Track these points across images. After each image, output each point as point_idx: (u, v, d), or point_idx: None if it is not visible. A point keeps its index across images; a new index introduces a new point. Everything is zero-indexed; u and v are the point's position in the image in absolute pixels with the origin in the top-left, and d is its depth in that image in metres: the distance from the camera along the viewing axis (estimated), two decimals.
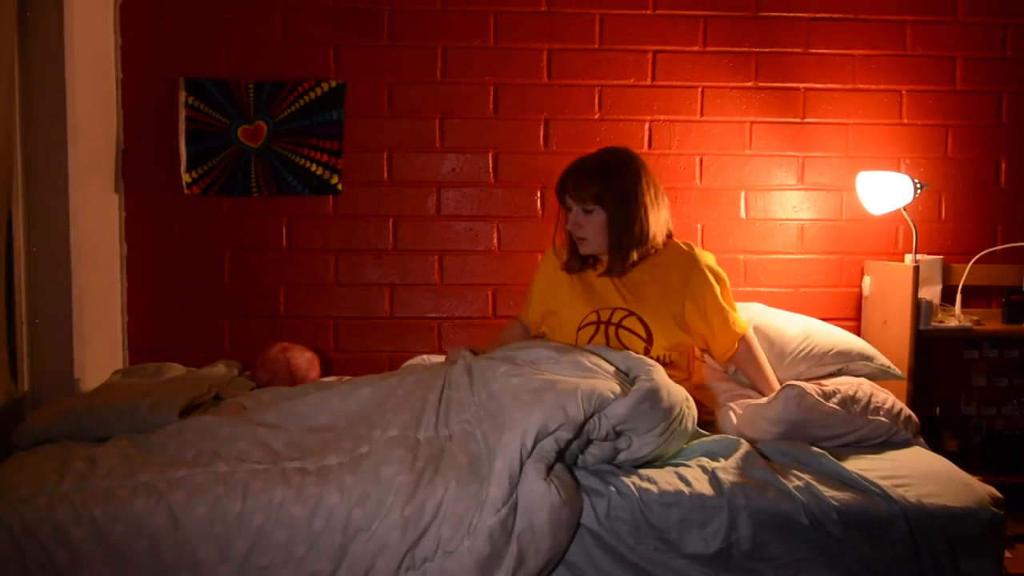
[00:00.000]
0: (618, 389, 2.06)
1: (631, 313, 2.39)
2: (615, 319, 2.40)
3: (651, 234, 2.40)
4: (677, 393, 2.11)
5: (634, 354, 2.26)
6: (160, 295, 3.19)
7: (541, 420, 1.93)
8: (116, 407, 2.23)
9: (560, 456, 1.98)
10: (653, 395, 2.04)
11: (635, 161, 2.43)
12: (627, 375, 2.18)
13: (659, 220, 2.43)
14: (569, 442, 1.98)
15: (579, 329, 2.43)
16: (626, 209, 2.38)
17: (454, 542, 1.86)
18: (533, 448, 1.92)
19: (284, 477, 1.96)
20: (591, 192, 2.38)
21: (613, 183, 2.37)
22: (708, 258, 2.48)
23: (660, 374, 2.13)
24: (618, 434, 2.05)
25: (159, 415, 2.20)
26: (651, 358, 2.30)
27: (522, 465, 1.90)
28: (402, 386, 2.27)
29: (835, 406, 2.24)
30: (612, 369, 2.18)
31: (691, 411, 2.16)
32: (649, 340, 2.38)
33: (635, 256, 2.40)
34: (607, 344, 2.39)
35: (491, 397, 2.12)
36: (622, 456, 2.08)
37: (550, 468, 1.92)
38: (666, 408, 2.05)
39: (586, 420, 1.98)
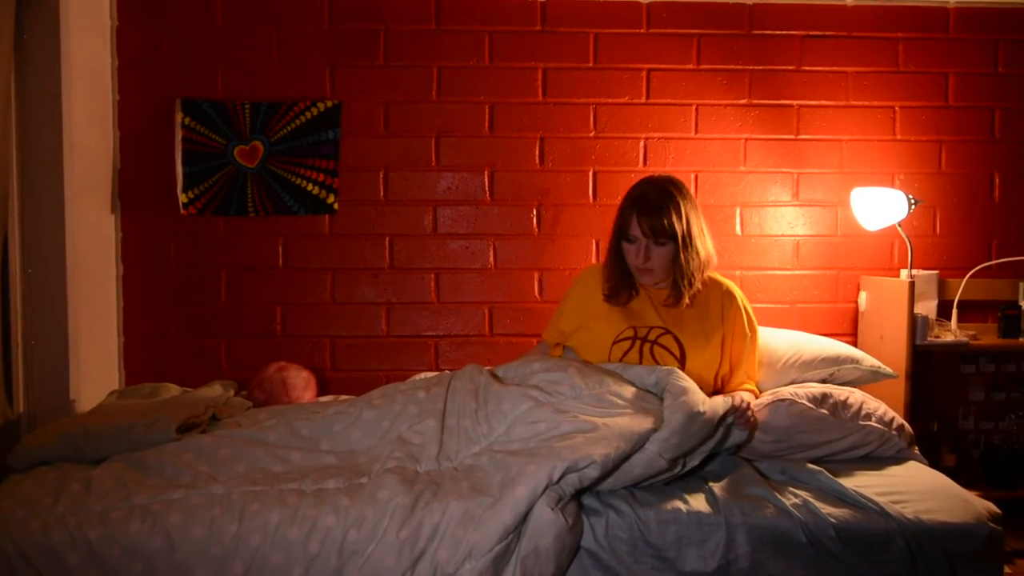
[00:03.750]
0: (648, 424, 2.05)
1: (668, 331, 2.42)
2: (651, 336, 2.42)
3: (710, 263, 2.47)
4: (713, 402, 2.15)
5: (663, 368, 2.27)
6: (156, 315, 3.19)
7: (572, 459, 1.92)
8: (112, 428, 2.22)
9: (577, 495, 1.97)
10: (692, 417, 2.05)
11: (688, 190, 2.48)
12: (655, 393, 2.20)
13: (711, 248, 2.49)
14: (596, 481, 1.98)
15: (614, 343, 2.44)
16: (693, 241, 2.41)
17: (452, 565, 1.84)
18: (558, 482, 1.91)
19: (281, 498, 1.95)
20: (665, 225, 2.38)
21: (681, 215, 2.39)
22: (746, 302, 2.53)
23: (694, 390, 2.15)
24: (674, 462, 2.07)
25: (156, 433, 2.19)
26: None
27: (543, 494, 1.89)
28: (404, 417, 2.22)
29: (825, 412, 2.26)
30: (630, 396, 2.17)
31: (726, 407, 2.18)
32: (682, 359, 2.40)
33: (699, 285, 2.43)
34: (640, 361, 2.39)
35: (512, 438, 2.10)
36: (679, 469, 2.11)
37: (559, 500, 1.90)
38: (710, 418, 2.08)
39: (614, 468, 1.98)
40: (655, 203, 2.39)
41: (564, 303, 2.64)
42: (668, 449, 2.02)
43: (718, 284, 2.52)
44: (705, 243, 2.45)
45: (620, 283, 2.49)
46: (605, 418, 2.07)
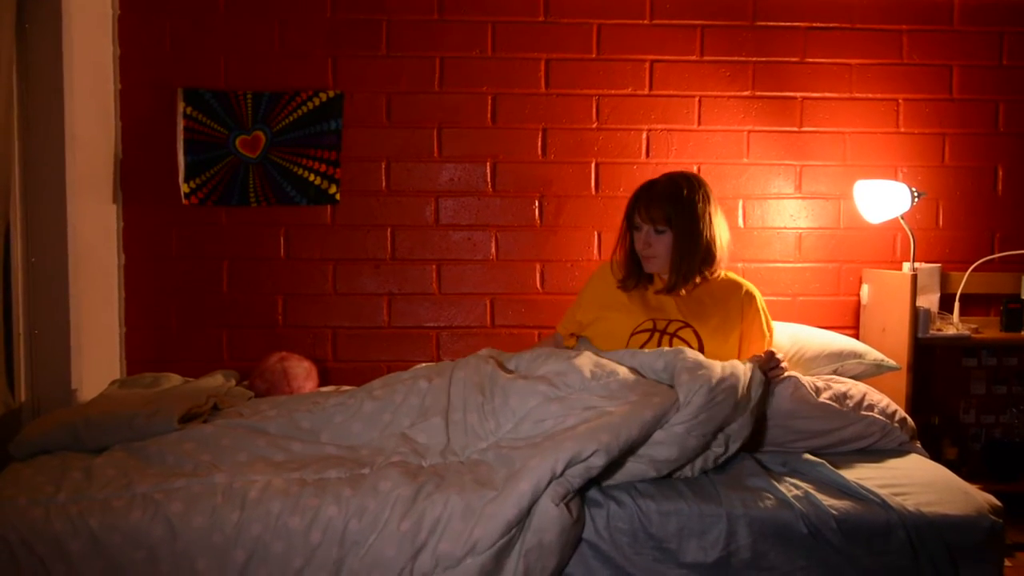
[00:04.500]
0: (659, 407, 2.02)
1: (687, 324, 2.45)
2: (670, 329, 2.45)
3: (717, 257, 2.50)
4: (732, 365, 2.15)
5: (670, 350, 2.25)
6: (158, 305, 3.19)
7: (575, 449, 1.90)
8: (114, 417, 2.22)
9: (584, 488, 1.96)
10: (714, 387, 2.05)
11: (704, 186, 2.52)
12: (665, 380, 2.19)
13: (724, 245, 2.52)
14: (607, 471, 1.97)
15: (632, 335, 2.47)
16: (694, 231, 2.45)
17: (454, 558, 1.84)
18: (562, 474, 1.90)
19: (283, 487, 1.95)
20: (663, 213, 2.45)
21: (684, 206, 2.45)
22: (764, 304, 2.55)
23: (708, 362, 2.16)
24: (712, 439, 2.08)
25: (157, 423, 2.19)
26: None
27: (547, 488, 1.87)
28: (405, 409, 2.21)
29: (827, 400, 2.27)
30: (641, 383, 2.15)
31: (751, 369, 2.19)
32: (700, 352, 2.37)
33: (698, 278, 2.47)
34: None
35: (519, 435, 2.09)
36: (722, 449, 2.12)
37: (566, 495, 1.89)
38: (732, 383, 2.08)
39: (621, 455, 1.97)
40: (660, 193, 2.47)
41: (582, 293, 2.67)
42: (696, 426, 2.02)
43: (738, 284, 2.55)
44: (713, 237, 2.47)
45: (632, 270, 2.56)
46: (611, 406, 2.05)
